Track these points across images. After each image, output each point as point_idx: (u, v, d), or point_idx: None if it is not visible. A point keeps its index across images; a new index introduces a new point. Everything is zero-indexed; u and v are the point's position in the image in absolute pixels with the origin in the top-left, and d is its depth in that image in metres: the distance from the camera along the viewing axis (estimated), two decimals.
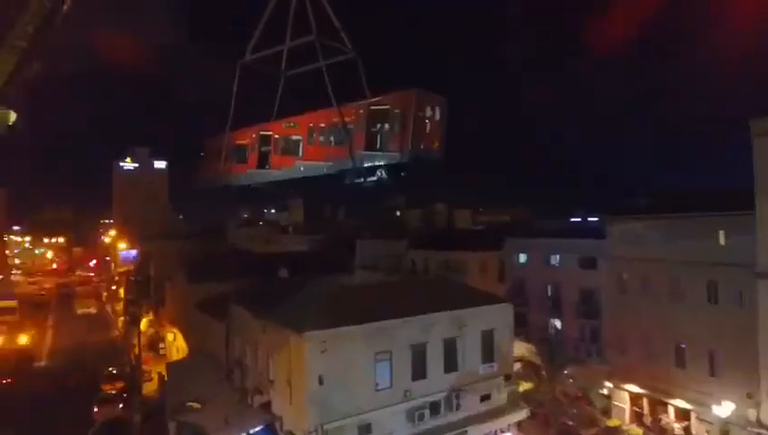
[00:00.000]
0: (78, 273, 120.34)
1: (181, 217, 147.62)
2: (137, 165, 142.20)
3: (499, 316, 29.50)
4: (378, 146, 17.11)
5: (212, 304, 37.05)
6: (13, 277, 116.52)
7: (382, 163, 17.17)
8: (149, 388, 40.79)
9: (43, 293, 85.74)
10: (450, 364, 27.36)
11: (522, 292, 42.05)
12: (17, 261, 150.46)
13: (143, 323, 58.99)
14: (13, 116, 13.20)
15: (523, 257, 42.78)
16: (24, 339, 51.04)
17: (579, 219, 52.41)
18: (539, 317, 39.99)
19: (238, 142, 21.29)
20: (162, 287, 54.26)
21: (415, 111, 16.20)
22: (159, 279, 56.04)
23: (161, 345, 51.12)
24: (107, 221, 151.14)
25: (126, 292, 73.38)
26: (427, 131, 16.76)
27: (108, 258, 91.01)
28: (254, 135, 20.85)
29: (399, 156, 16.49)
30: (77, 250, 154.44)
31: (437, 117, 17.14)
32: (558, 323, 38.91)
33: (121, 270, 77.82)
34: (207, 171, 23.08)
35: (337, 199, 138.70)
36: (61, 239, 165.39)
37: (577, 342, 36.69)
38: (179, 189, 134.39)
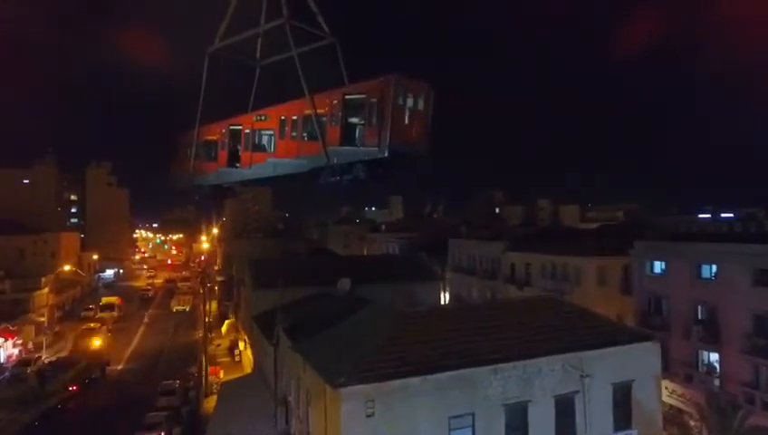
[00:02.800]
0: (189, 267, 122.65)
1: (287, 214, 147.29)
2: None
3: (640, 361, 19.18)
4: (354, 140, 14.82)
5: (268, 318, 30.12)
6: (139, 270, 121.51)
7: (359, 159, 14.74)
8: (212, 404, 34.95)
9: (149, 288, 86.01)
10: (566, 434, 17.71)
11: (657, 311, 30.71)
12: (147, 255, 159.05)
13: (224, 327, 54.57)
14: None
15: (659, 266, 31.26)
16: (97, 342, 48.05)
17: (730, 215, 39.06)
18: (683, 347, 28.50)
19: (207, 138, 18.77)
20: (238, 289, 49.09)
21: (393, 100, 13.93)
22: (238, 280, 51.07)
23: (237, 352, 45.73)
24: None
25: (215, 292, 70.54)
26: (409, 122, 14.53)
27: (207, 256, 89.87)
28: (223, 130, 18.38)
29: (377, 151, 14.08)
30: (196, 246, 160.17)
31: (421, 106, 14.87)
32: (715, 359, 27.21)
33: (215, 268, 75.09)
34: (177, 170, 20.27)
35: (437, 195, 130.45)
36: (180, 236, 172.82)
37: (748, 388, 24.89)
38: (285, 187, 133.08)
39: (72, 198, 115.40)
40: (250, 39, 17.39)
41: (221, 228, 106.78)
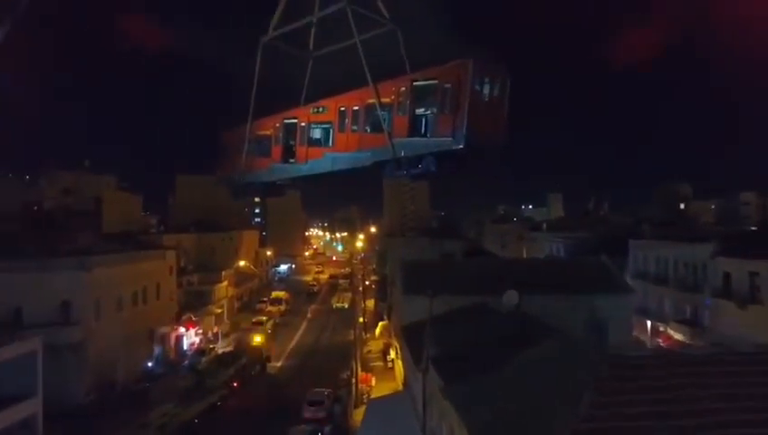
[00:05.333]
0: (351, 264, 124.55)
1: (443, 213, 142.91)
2: None
3: None
4: (424, 130, 13.18)
5: (417, 333, 24.60)
6: (309, 266, 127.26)
7: (429, 151, 13.07)
8: (360, 416, 30.75)
9: (315, 283, 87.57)
10: None
11: None
12: (317, 251, 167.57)
13: (378, 329, 50.97)
14: None
15: None
16: (258, 338, 47.45)
17: None
18: None
19: (259, 133, 17.29)
20: (391, 291, 44.85)
21: (471, 85, 12.09)
22: (391, 281, 46.88)
23: (389, 358, 41.41)
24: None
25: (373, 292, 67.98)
26: (486, 110, 12.69)
27: (365, 254, 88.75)
28: (276, 124, 16.88)
29: (452, 141, 12.30)
30: (355, 244, 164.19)
31: (499, 92, 13.08)
32: None
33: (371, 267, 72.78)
34: (228, 167, 18.68)
35: (601, 190, 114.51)
36: (345, 234, 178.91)
37: None
38: (442, 185, 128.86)
39: (256, 199, 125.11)
40: (302, 30, 15.73)
41: (379, 227, 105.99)
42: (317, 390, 32.48)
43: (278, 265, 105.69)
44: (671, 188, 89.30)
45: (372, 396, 32.30)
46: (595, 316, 25.75)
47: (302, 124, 16.00)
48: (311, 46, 16.06)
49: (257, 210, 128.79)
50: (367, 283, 71.91)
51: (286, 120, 16.49)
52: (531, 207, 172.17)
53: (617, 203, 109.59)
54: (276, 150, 16.72)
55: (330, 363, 42.51)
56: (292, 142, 16.37)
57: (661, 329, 40.27)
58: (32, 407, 25.55)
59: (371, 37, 14.57)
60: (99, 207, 78.10)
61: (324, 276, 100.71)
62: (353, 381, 34.34)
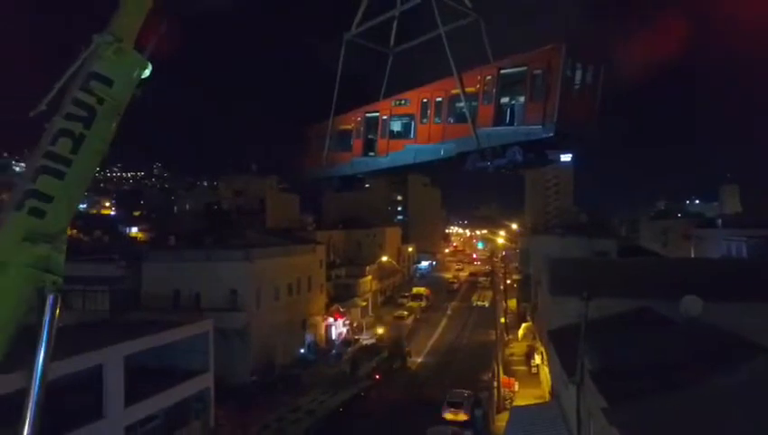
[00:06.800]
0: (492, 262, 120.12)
1: (588, 209, 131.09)
2: None
3: None
4: (511, 119, 12.61)
5: (568, 338, 21.60)
6: (449, 263, 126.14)
7: (517, 140, 12.49)
8: (502, 423, 28.42)
9: (455, 280, 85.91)
10: None
11: None
12: (457, 248, 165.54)
13: (521, 330, 47.54)
14: (149, 69, 8.97)
15: None
16: (380, 330, 46.54)
17: None
18: None
19: (341, 127, 16.98)
20: (535, 291, 41.31)
21: (563, 71, 11.56)
22: (535, 280, 43.23)
23: (533, 362, 38.11)
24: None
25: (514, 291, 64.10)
26: (579, 97, 12.10)
27: (507, 252, 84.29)
28: (358, 118, 16.67)
29: (541, 129, 11.75)
30: (497, 241, 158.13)
31: (592, 78, 12.37)
32: None
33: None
34: (309, 162, 18.65)
35: None
36: (485, 231, 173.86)
37: None
38: (587, 182, 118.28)
39: (398, 198, 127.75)
40: (384, 25, 15.56)
41: (520, 224, 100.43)
42: (457, 390, 30.85)
43: (419, 262, 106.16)
44: None
45: (515, 403, 29.73)
46: None
47: (384, 117, 15.95)
48: (392, 41, 16.01)
49: (399, 208, 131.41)
50: (508, 282, 68.17)
51: (367, 114, 16.50)
52: (697, 201, 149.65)
53: None
54: (357, 144, 16.79)
55: (469, 363, 40.59)
56: (372, 136, 16.34)
57: None
58: (205, 381, 28.14)
59: (453, 28, 14.31)
60: (263, 206, 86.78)
61: (464, 274, 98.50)
62: (495, 384, 32.06)
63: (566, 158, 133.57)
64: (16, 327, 7.37)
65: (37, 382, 7.31)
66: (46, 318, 7.50)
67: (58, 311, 7.68)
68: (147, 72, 9.07)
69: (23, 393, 7.25)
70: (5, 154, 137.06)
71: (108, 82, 8.47)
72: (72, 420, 19.56)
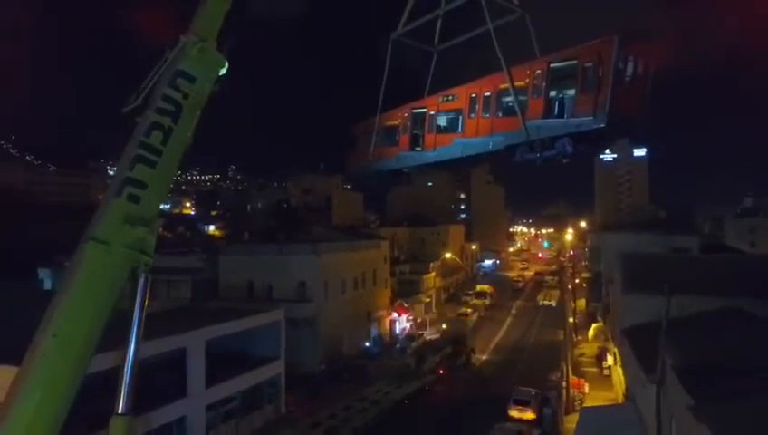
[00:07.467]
0: (559, 261, 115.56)
1: (664, 206, 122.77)
2: (615, 155, 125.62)
3: None
4: (561, 111, 12.83)
5: (646, 336, 20.25)
6: (514, 261, 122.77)
7: (567, 132, 12.65)
8: (572, 424, 27.20)
9: (519, 279, 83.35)
10: None
11: None
12: (522, 247, 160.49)
13: (591, 331, 45.37)
14: (226, 67, 9.60)
15: None
16: (444, 326, 45.60)
17: None
18: None
19: (388, 123, 17.42)
20: (607, 289, 39.22)
21: (615, 63, 11.73)
22: (607, 278, 41.07)
23: (605, 364, 36.20)
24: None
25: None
26: (630, 89, 12.18)
27: (575, 251, 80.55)
28: (405, 114, 17.01)
29: (592, 120, 11.91)
30: (565, 240, 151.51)
31: (643, 70, 12.51)
32: None
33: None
34: (357, 157, 19.01)
35: None
36: (551, 230, 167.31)
37: None
38: (661, 178, 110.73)
39: (461, 196, 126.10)
40: (430, 23, 15.67)
41: (589, 222, 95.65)
42: (523, 388, 29.89)
43: (482, 260, 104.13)
44: None
45: (585, 404, 28.38)
46: None
47: (431, 113, 16.23)
48: (436, 39, 16.18)
49: (462, 206, 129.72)
50: (576, 281, 65.28)
51: (414, 111, 16.79)
52: None
53: None
54: (404, 139, 17.10)
55: (536, 362, 39.22)
56: (418, 131, 16.69)
57: None
58: (277, 368, 29.25)
59: (501, 24, 14.38)
60: (329, 203, 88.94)
61: (529, 273, 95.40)
62: (564, 384, 30.75)
63: (640, 152, 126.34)
64: (113, 310, 7.91)
65: (131, 358, 7.89)
66: (138, 297, 8.09)
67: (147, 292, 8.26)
68: (223, 70, 9.64)
69: (117, 370, 7.86)
70: (101, 160, 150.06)
71: (192, 79, 9.05)
72: (160, 397, 21.04)
